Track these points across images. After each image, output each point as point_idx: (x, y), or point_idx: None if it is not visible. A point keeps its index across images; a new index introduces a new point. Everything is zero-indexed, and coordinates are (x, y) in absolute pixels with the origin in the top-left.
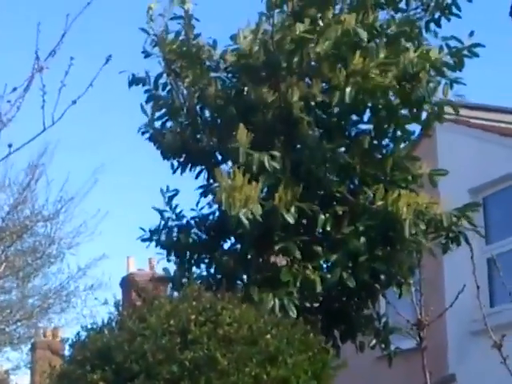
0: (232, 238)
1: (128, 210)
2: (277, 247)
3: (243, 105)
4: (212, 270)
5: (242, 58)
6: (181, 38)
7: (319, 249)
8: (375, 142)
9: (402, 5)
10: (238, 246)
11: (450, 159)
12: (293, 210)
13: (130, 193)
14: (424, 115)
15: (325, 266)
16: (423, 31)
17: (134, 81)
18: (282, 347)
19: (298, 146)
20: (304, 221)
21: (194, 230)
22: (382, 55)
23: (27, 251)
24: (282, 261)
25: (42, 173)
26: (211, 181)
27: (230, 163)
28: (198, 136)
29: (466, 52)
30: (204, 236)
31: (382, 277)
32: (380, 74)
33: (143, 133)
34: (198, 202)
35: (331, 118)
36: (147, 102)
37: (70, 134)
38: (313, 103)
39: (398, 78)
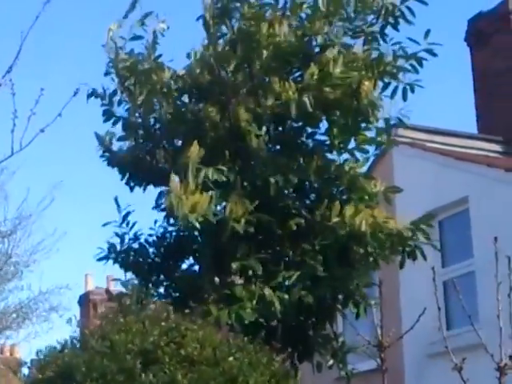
0: (190, 258)
1: (86, 227)
2: (235, 265)
3: (194, 123)
4: (171, 290)
5: (189, 79)
6: (139, 57)
7: (277, 267)
8: (330, 155)
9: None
10: (196, 266)
11: (406, 182)
12: (243, 221)
13: (89, 209)
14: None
15: (283, 284)
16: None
17: (93, 94)
18: (244, 369)
19: (250, 160)
20: (260, 237)
21: (152, 250)
22: (337, 70)
23: None
24: (239, 279)
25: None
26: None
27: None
28: (155, 154)
29: (422, 54)
30: (161, 256)
31: (340, 296)
32: (333, 90)
33: (108, 164)
34: (155, 221)
35: (285, 131)
36: (103, 115)
37: (30, 149)
38: (265, 122)
39: (345, 93)
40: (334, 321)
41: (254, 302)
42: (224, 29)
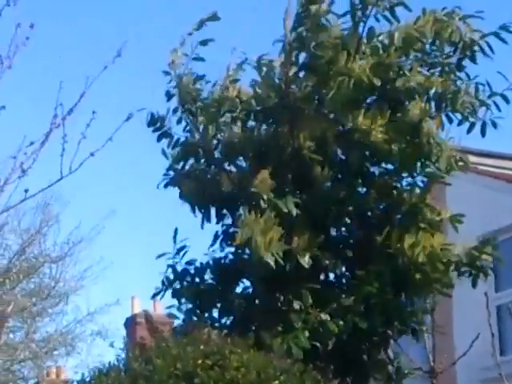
0: (244, 282)
1: (134, 252)
2: (289, 292)
3: (257, 145)
4: (224, 315)
5: (257, 100)
6: (202, 79)
7: (331, 294)
8: (393, 185)
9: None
10: (250, 290)
11: (458, 205)
12: (308, 256)
13: (138, 234)
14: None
15: (337, 310)
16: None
17: (152, 120)
18: None
19: (312, 187)
20: (317, 266)
21: (207, 275)
22: (382, 119)
23: (33, 292)
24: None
25: (52, 215)
26: (229, 223)
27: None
28: (217, 177)
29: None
30: (216, 280)
31: (396, 323)
32: (385, 133)
33: (167, 184)
34: (211, 245)
35: (348, 159)
36: (159, 139)
37: (84, 178)
38: (329, 149)
39: (403, 133)
40: (388, 346)
41: (307, 330)
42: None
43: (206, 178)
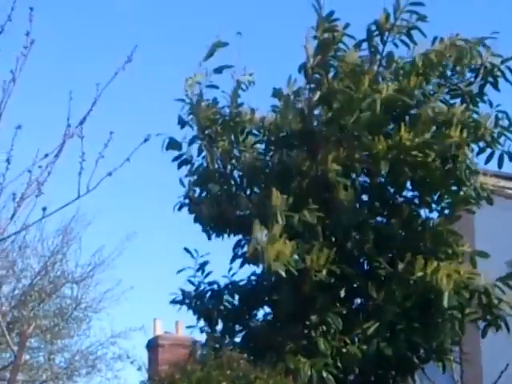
0: (265, 307)
1: (156, 273)
2: (314, 317)
3: (279, 171)
4: (246, 339)
5: (279, 126)
6: (221, 104)
7: (357, 319)
8: (416, 211)
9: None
10: (271, 315)
11: (487, 230)
12: (325, 271)
13: (160, 257)
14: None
15: (362, 336)
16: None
17: (171, 145)
18: None
19: (334, 211)
20: (339, 288)
21: (226, 297)
22: (427, 135)
23: (54, 312)
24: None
25: (74, 236)
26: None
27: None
28: (234, 203)
29: None
30: (236, 304)
31: (421, 350)
32: (422, 152)
33: (180, 207)
34: (230, 269)
35: (373, 185)
36: (179, 167)
37: (104, 199)
38: (353, 173)
39: (439, 156)
40: (414, 374)
41: (332, 356)
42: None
43: (223, 202)
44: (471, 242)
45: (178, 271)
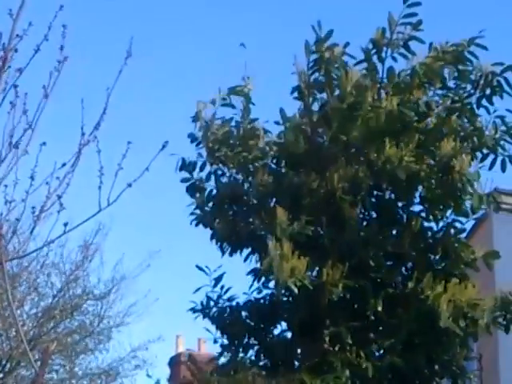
0: (282, 324)
1: (179, 290)
2: (327, 332)
3: (289, 191)
4: (261, 355)
5: (285, 148)
6: (228, 123)
7: (371, 334)
8: (426, 224)
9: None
10: (289, 332)
11: (506, 249)
12: (341, 286)
13: (182, 274)
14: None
15: (377, 353)
16: (475, 108)
17: (183, 166)
18: None
19: (344, 228)
20: (356, 305)
21: (245, 314)
22: (411, 145)
23: (76, 329)
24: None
25: (95, 252)
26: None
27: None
28: (250, 220)
29: None
30: (254, 321)
31: (436, 366)
32: (415, 162)
33: (197, 224)
34: (250, 286)
35: (380, 201)
36: (190, 194)
37: (126, 214)
38: (360, 190)
39: (435, 168)
40: None
41: (348, 371)
42: (318, 96)
43: (236, 224)
44: None
45: (195, 290)
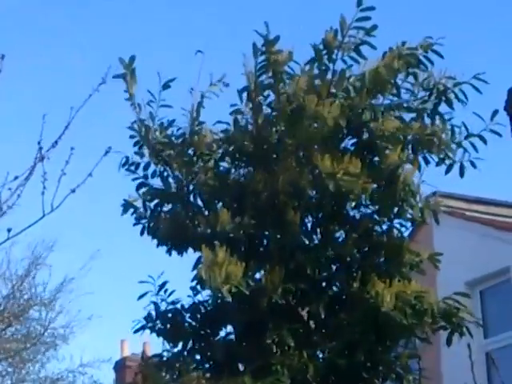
0: (227, 327)
1: (123, 292)
2: (270, 335)
3: (236, 190)
4: (207, 359)
5: (232, 146)
6: (171, 125)
7: (315, 337)
8: (372, 228)
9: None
10: (232, 335)
11: (446, 252)
12: (280, 290)
13: (125, 276)
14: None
15: (321, 355)
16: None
17: (126, 164)
18: None
19: (287, 232)
20: (298, 308)
21: (189, 316)
22: (347, 160)
23: (22, 337)
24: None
25: (41, 259)
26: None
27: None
28: (196, 222)
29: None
30: (198, 323)
31: (380, 367)
32: (346, 182)
33: (142, 232)
34: (192, 288)
35: (325, 203)
36: (137, 190)
37: (71, 220)
38: (305, 193)
39: (377, 180)
40: None
41: (289, 373)
42: (266, 97)
43: (181, 221)
44: None
45: (139, 297)
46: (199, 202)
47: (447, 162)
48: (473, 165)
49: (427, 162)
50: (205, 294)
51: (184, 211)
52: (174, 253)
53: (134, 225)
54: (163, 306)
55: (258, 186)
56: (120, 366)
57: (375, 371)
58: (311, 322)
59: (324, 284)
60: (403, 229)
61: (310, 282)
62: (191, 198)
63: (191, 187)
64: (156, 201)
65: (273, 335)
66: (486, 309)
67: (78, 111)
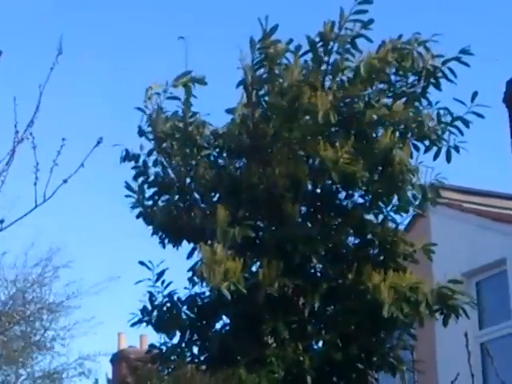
0: (224, 318)
1: (121, 286)
2: (265, 327)
3: (231, 183)
4: (203, 351)
5: (229, 140)
6: (176, 117)
7: (310, 328)
8: (367, 217)
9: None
10: (228, 326)
11: (443, 243)
12: (277, 284)
13: (124, 268)
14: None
15: (315, 346)
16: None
17: (127, 156)
18: None
19: (283, 224)
20: (294, 300)
21: (185, 309)
22: (347, 147)
23: (22, 336)
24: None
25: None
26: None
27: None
28: (192, 214)
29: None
30: (194, 315)
31: (374, 358)
32: (351, 163)
33: (138, 216)
34: (189, 280)
35: (322, 193)
36: (135, 178)
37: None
38: (301, 186)
39: (372, 165)
40: (367, 382)
41: (284, 365)
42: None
43: (180, 212)
44: None
45: (136, 282)
46: (196, 195)
47: (438, 145)
48: (457, 149)
49: (417, 149)
50: (201, 286)
51: (181, 202)
52: (168, 246)
53: (132, 208)
54: (160, 299)
55: (254, 179)
56: (117, 359)
57: (369, 362)
58: (306, 314)
59: (319, 275)
60: (400, 220)
61: (306, 274)
62: (188, 190)
63: (189, 179)
64: (154, 189)
65: (268, 327)
66: (481, 300)
67: (44, 88)
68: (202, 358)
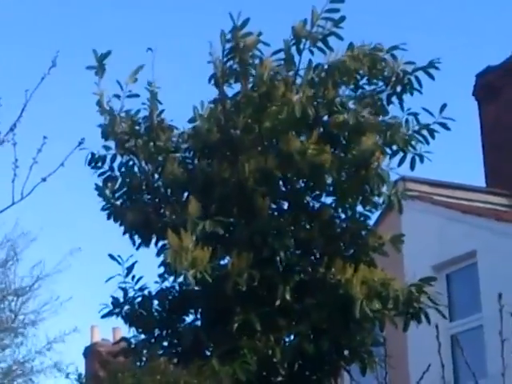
0: (194, 312)
1: (93, 279)
2: (237, 319)
3: (201, 181)
4: (173, 345)
5: (198, 137)
6: (141, 114)
7: (282, 321)
8: (335, 216)
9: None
10: (199, 321)
11: (413, 235)
12: (245, 276)
13: (98, 263)
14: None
15: (287, 339)
16: (385, 104)
17: (93, 160)
18: None
19: (255, 218)
20: (265, 292)
21: (156, 304)
22: (313, 138)
23: None
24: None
25: (16, 252)
26: None
27: None
28: (162, 211)
29: (434, 126)
30: (165, 310)
31: (346, 352)
32: (318, 155)
33: (109, 216)
34: (160, 275)
35: (291, 191)
36: (104, 183)
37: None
38: (272, 180)
39: (348, 162)
40: (338, 376)
41: (256, 357)
42: (233, 85)
43: (148, 211)
44: None
45: (107, 280)
46: (165, 192)
47: (406, 151)
48: (421, 158)
49: (384, 154)
50: (171, 281)
51: (151, 201)
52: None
53: (102, 209)
54: (131, 294)
55: (226, 174)
56: (90, 352)
57: (340, 356)
58: (277, 307)
59: (289, 269)
60: (370, 214)
61: (276, 267)
62: (158, 188)
63: (157, 177)
64: (123, 189)
65: (240, 320)
66: (452, 292)
67: (32, 94)
68: (173, 351)
